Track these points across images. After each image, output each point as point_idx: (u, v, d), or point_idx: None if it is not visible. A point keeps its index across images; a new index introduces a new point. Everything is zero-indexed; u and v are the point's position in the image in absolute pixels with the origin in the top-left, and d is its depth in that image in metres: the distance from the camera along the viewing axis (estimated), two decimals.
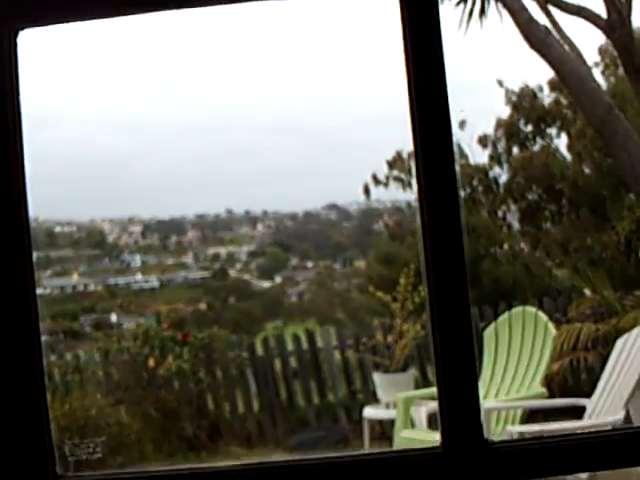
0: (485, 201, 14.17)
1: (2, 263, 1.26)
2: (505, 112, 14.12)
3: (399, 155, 14.27)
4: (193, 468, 1.33)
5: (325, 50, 13.97)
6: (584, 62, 9.45)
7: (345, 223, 16.84)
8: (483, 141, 14.34)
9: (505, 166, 14.46)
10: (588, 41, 13.21)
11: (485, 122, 14.29)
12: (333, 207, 16.61)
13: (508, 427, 6.32)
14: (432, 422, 8.07)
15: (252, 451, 9.28)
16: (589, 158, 13.45)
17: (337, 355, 10.09)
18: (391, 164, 14.32)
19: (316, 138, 16.06)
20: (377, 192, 14.18)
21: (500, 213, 14.39)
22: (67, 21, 1.44)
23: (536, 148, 14.37)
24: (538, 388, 7.03)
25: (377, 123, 14.27)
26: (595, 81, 9.57)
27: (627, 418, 7.02)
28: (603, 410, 6.19)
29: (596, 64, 13.15)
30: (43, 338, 1.29)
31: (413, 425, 7.56)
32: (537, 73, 13.33)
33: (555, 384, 8.48)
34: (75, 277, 17.03)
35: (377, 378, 8.52)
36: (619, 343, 6.61)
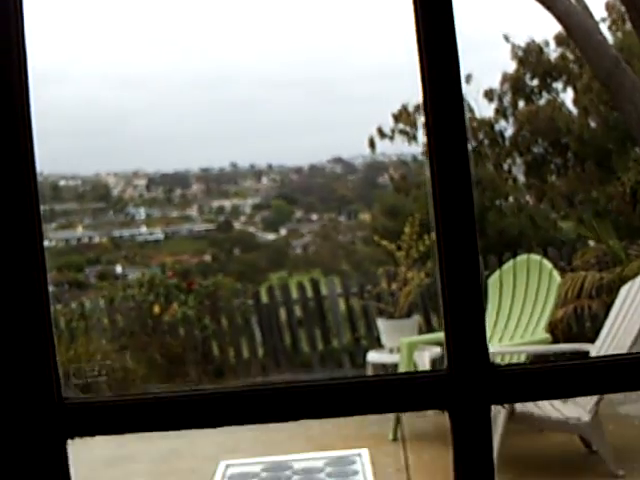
0: (491, 154, 14.15)
1: (11, 216, 1.26)
2: (511, 67, 14.09)
3: (405, 108, 14.23)
4: (199, 390, 1.34)
5: (327, 2, 13.88)
6: (590, 15, 9.39)
7: (350, 176, 16.83)
8: (489, 95, 14.31)
9: (511, 120, 14.43)
10: None
11: (491, 76, 14.25)
12: (338, 160, 16.59)
13: None
14: (435, 366, 8.14)
15: None
16: (595, 112, 13.41)
17: (341, 303, 10.12)
18: (397, 117, 14.28)
19: (319, 91, 16.01)
20: (382, 145, 14.14)
21: (506, 166, 14.38)
22: None
23: (542, 102, 14.32)
24: (542, 334, 7.06)
25: (380, 76, 14.22)
26: (601, 34, 9.51)
27: None
28: (607, 354, 6.22)
29: (603, 20, 13.07)
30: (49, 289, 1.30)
31: (416, 369, 7.61)
32: (543, 28, 13.28)
33: (559, 331, 8.52)
34: (80, 230, 17.05)
35: (381, 324, 8.55)
36: (623, 290, 6.62)
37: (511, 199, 14.24)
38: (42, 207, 1.26)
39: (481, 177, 12.83)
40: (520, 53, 13.96)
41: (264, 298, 10.11)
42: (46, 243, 1.30)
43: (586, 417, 6.05)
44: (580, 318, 8.97)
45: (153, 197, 16.98)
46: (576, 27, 9.00)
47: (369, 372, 8.38)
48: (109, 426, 1.33)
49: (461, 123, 1.28)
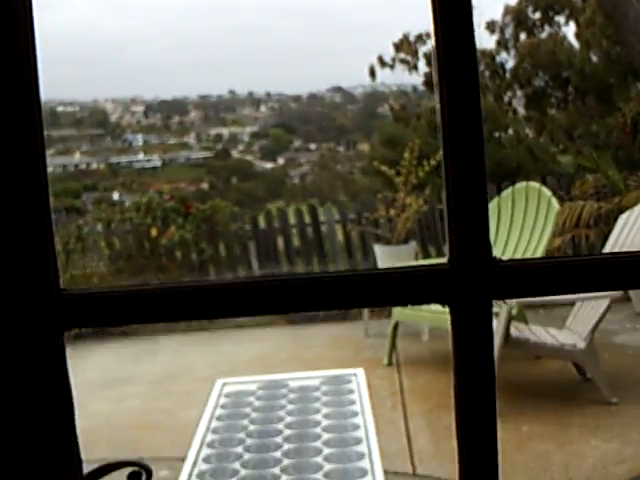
0: (491, 86, 14.09)
1: (14, 141, 1.24)
2: None
3: (406, 38, 14.12)
4: (199, 282, 1.32)
5: None
6: None
7: (350, 106, 16.74)
8: (491, 27, 14.23)
9: (512, 52, 14.34)
10: None
11: (493, 8, 14.14)
12: (338, 89, 16.49)
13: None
14: None
15: (253, 319, 9.37)
16: (597, 46, 13.32)
17: (339, 229, 10.10)
18: (397, 46, 14.18)
19: (320, 20, 15.86)
20: (383, 75, 14.06)
21: (506, 98, 14.32)
22: None
23: (544, 35, 14.24)
24: None
25: (382, 6, 14.07)
26: None
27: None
28: None
29: None
30: None
31: None
32: None
33: None
34: (77, 156, 17.02)
35: (378, 250, 8.57)
36: (621, 219, 6.61)
37: (511, 131, 14.21)
38: None
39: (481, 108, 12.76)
40: None
41: (262, 224, 10.09)
42: None
43: (581, 344, 6.08)
44: (577, 247, 8.97)
45: (151, 124, 16.92)
46: None
47: None
48: (107, 317, 1.31)
49: (471, 49, 1.25)
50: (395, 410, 6.22)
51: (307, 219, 10.11)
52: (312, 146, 16.26)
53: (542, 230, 6.95)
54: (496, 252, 1.28)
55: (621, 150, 10.18)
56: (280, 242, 10.12)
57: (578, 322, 6.29)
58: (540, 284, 1.30)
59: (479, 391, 1.29)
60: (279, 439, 4.04)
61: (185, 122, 16.71)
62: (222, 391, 4.79)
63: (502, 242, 7.12)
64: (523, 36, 14.24)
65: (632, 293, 8.20)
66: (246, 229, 10.08)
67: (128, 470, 1.40)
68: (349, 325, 8.89)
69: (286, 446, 3.95)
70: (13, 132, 1.22)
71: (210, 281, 1.32)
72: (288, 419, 4.30)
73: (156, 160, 16.49)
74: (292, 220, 10.14)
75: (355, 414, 4.27)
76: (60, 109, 16.89)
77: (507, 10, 14.16)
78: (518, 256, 7.08)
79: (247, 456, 3.87)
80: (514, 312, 6.32)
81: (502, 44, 14.21)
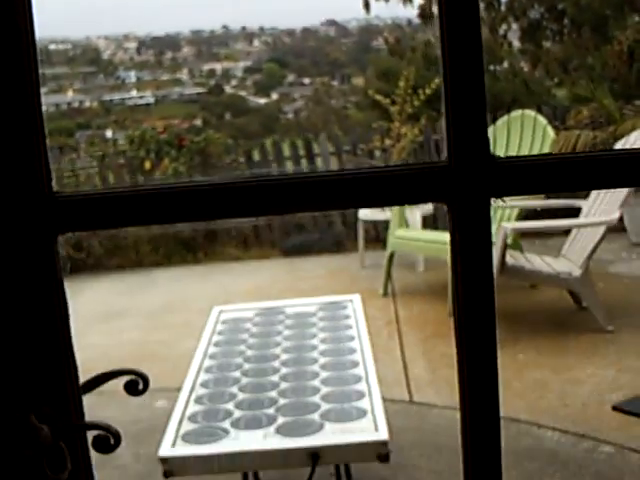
0: (486, 18, 13.92)
1: (9, 80, 1.20)
2: None
3: None
4: (193, 182, 1.29)
5: None
6: None
7: (344, 39, 16.59)
8: None
9: None
10: None
11: None
12: (332, 23, 16.34)
13: (503, 223, 6.36)
14: (426, 223, 8.16)
15: (248, 252, 9.39)
16: None
17: (334, 161, 10.04)
18: None
19: None
20: (377, 7, 13.88)
21: (501, 31, 14.16)
22: None
23: None
24: None
25: None
26: None
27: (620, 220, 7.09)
28: (599, 210, 6.21)
29: None
30: None
31: (408, 226, 7.63)
32: None
33: None
34: (70, 94, 16.90)
35: None
36: (617, 146, 6.59)
37: (506, 64, 14.11)
38: None
39: None
40: None
41: (256, 157, 10.03)
42: None
43: (577, 272, 6.08)
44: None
45: (143, 60, 16.77)
46: None
47: (360, 229, 8.40)
48: (101, 220, 1.29)
49: None
50: (391, 339, 6.25)
51: (302, 152, 10.05)
52: (306, 81, 16.14)
53: None
54: None
55: (617, 82, 10.10)
56: (274, 173, 10.06)
57: (574, 250, 6.29)
58: (538, 181, 1.28)
59: (478, 291, 1.28)
60: (276, 363, 4.05)
61: (178, 58, 16.57)
62: (219, 318, 4.80)
63: None
64: None
65: (627, 223, 8.20)
66: (240, 161, 10.02)
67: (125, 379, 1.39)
68: (345, 257, 8.90)
69: (283, 370, 3.96)
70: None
71: (204, 182, 1.30)
72: (285, 344, 4.30)
73: (149, 97, 16.39)
74: (287, 153, 10.08)
75: (351, 338, 4.28)
76: (52, 47, 16.73)
77: None
78: None
79: (245, 380, 3.88)
80: (509, 241, 6.32)
81: None
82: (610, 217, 5.99)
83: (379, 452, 3.21)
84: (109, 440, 1.27)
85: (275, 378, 3.87)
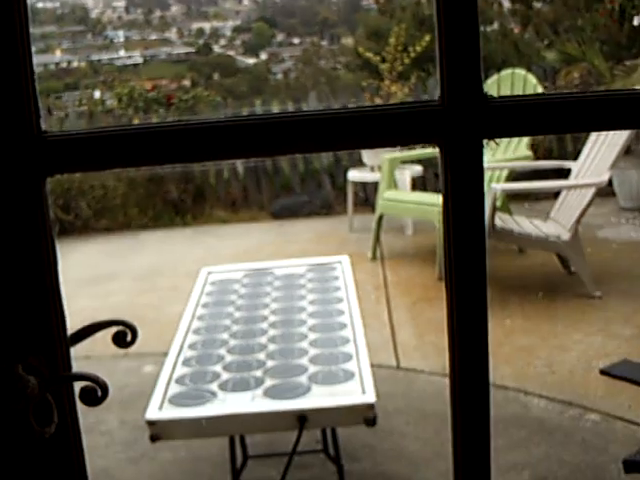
0: None
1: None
2: None
3: None
4: (186, 122, 1.26)
5: None
6: None
7: None
8: None
9: None
10: None
11: None
12: None
13: (492, 184, 6.35)
14: (416, 185, 8.15)
15: (236, 215, 9.37)
16: None
17: None
18: None
19: None
20: None
21: None
22: None
23: None
24: (524, 151, 7.04)
25: None
26: None
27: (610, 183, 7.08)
28: (588, 172, 6.21)
29: None
30: None
31: (397, 187, 7.62)
32: None
33: (540, 152, 8.53)
34: (58, 54, 16.74)
35: None
36: None
37: (496, 25, 14.01)
38: None
39: None
40: None
41: (245, 114, 9.96)
42: None
43: (566, 235, 6.08)
44: (561, 138, 8.94)
45: (132, 19, 16.61)
46: None
47: (349, 191, 8.38)
48: (91, 161, 1.26)
49: None
50: (379, 303, 6.25)
51: (291, 109, 9.98)
52: (295, 40, 16.01)
53: None
54: None
55: (608, 42, 10.05)
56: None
57: (562, 213, 6.28)
58: (532, 122, 1.26)
59: (470, 235, 1.26)
60: (264, 325, 4.04)
61: (166, 17, 16.41)
62: (207, 279, 4.78)
63: None
64: None
65: (616, 187, 8.20)
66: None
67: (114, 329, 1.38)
68: (333, 220, 8.90)
69: (271, 332, 3.95)
70: None
71: (196, 121, 1.27)
72: (273, 305, 4.30)
73: (137, 56, 16.24)
74: (276, 110, 10.02)
75: (340, 300, 4.27)
76: (40, 5, 16.56)
77: None
78: (503, 146, 7.06)
79: (233, 342, 3.87)
80: (499, 203, 6.31)
81: None
82: (600, 179, 5.98)
83: (366, 415, 3.21)
84: (97, 392, 1.25)
85: (263, 340, 3.86)
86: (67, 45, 16.71)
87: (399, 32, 9.13)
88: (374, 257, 7.30)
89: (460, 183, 1.24)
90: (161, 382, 3.50)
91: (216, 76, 15.97)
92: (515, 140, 7.01)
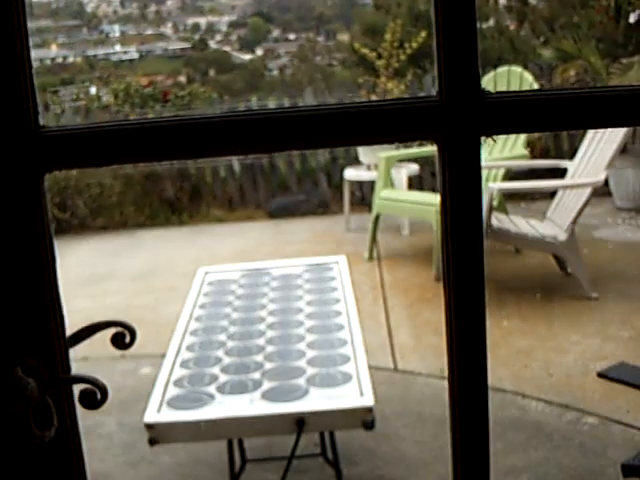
0: None
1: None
2: None
3: None
4: (185, 117, 1.25)
5: None
6: None
7: None
8: None
9: None
10: None
11: None
12: None
13: (489, 184, 6.34)
14: (412, 184, 8.14)
15: (233, 214, 9.36)
16: None
17: None
18: None
19: None
20: None
21: None
22: None
23: None
24: (521, 150, 7.04)
25: None
26: None
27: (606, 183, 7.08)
28: (585, 172, 6.20)
29: None
30: None
31: (393, 186, 7.61)
32: None
33: (537, 151, 8.53)
34: (54, 48, 16.72)
35: None
36: None
37: (491, 21, 14.01)
38: None
39: None
40: None
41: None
42: None
43: (562, 236, 6.07)
44: (558, 137, 8.95)
45: (127, 13, 16.59)
46: None
47: (346, 190, 8.37)
48: (89, 156, 1.25)
49: None
50: (376, 304, 6.24)
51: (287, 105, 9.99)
52: (291, 36, 16.00)
53: None
54: None
55: (603, 40, 10.03)
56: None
57: (559, 213, 6.28)
58: (530, 118, 1.25)
59: (468, 232, 1.26)
60: (262, 326, 4.03)
61: (162, 11, 16.40)
62: (204, 279, 4.78)
63: None
64: None
65: (613, 187, 8.21)
66: None
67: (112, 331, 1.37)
68: (330, 219, 8.89)
69: (269, 333, 3.94)
70: None
71: (194, 116, 1.26)
72: (271, 306, 4.29)
73: (133, 52, 16.23)
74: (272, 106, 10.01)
75: (337, 301, 4.27)
76: None
77: None
78: (500, 144, 7.06)
79: (230, 344, 3.87)
80: (495, 203, 6.30)
81: None
82: (596, 178, 5.98)
83: (364, 419, 3.20)
84: (96, 395, 1.24)
85: (261, 341, 3.86)
86: (63, 40, 16.69)
87: (395, 28, 9.13)
88: (371, 257, 7.30)
89: (458, 180, 1.23)
90: (159, 384, 3.50)
91: (212, 72, 15.97)
92: (512, 139, 7.02)
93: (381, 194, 7.21)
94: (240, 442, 4.03)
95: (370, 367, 3.55)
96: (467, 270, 1.27)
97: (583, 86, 8.61)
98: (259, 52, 16.06)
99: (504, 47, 12.87)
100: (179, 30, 16.25)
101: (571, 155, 6.81)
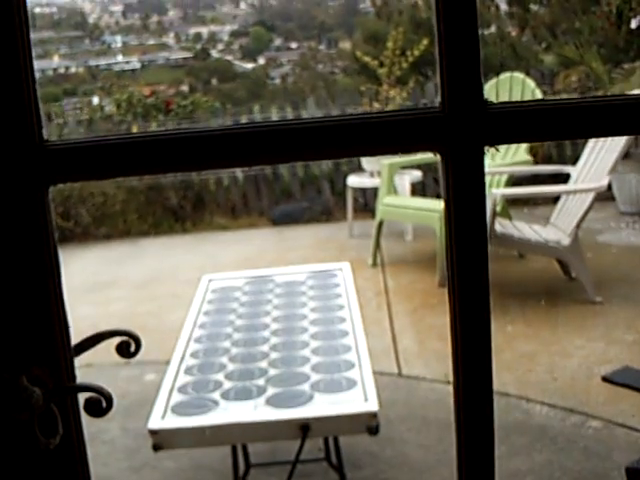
0: None
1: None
2: None
3: None
4: (190, 130, 1.25)
5: None
6: None
7: (330, 2, 16.45)
8: None
9: None
10: None
11: None
12: None
13: (492, 190, 6.35)
14: (415, 190, 8.15)
15: (236, 221, 9.37)
16: None
17: None
18: None
19: None
20: None
21: None
22: None
23: None
24: (524, 155, 7.05)
25: None
26: None
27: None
28: (588, 177, 6.21)
29: None
30: None
31: (396, 192, 7.62)
32: None
33: (539, 157, 8.54)
34: (56, 59, 16.73)
35: None
36: None
37: (493, 28, 14.02)
38: None
39: None
40: None
41: (244, 120, 9.98)
42: None
43: (566, 241, 6.07)
44: (560, 143, 8.95)
45: (129, 24, 16.61)
46: None
47: (349, 196, 8.38)
48: (93, 169, 1.25)
49: None
50: (380, 310, 6.24)
51: (290, 115, 9.99)
52: (293, 45, 16.00)
53: None
54: None
55: (605, 45, 10.04)
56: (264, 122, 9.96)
57: (562, 218, 6.28)
58: (533, 128, 1.26)
59: (472, 241, 1.26)
60: (266, 333, 4.04)
61: (164, 21, 16.41)
62: (208, 287, 4.78)
63: None
64: None
65: (616, 192, 8.20)
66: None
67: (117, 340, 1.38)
68: (333, 226, 8.89)
69: (273, 340, 3.95)
70: None
71: (200, 129, 1.27)
72: (275, 313, 4.30)
73: (135, 62, 16.24)
74: (275, 119, 10.02)
75: (341, 307, 4.27)
76: (37, 10, 16.56)
77: None
78: (502, 150, 7.06)
79: (235, 350, 3.87)
80: (498, 208, 6.31)
81: None
82: (599, 183, 5.98)
83: (369, 424, 3.20)
84: (101, 403, 1.25)
85: (265, 348, 3.86)
86: (65, 50, 16.70)
87: (397, 36, 9.14)
88: (374, 263, 7.30)
89: (462, 190, 1.23)
90: (163, 391, 3.50)
91: (214, 81, 15.97)
92: (514, 145, 7.02)
93: (384, 200, 7.22)
94: (244, 447, 4.03)
95: (374, 372, 3.56)
96: (472, 277, 1.28)
97: (585, 92, 8.63)
98: (261, 61, 16.07)
99: (506, 53, 12.88)
100: (181, 40, 16.26)
101: (574, 161, 6.81)
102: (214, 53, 16.18)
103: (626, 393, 4.46)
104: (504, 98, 7.06)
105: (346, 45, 15.61)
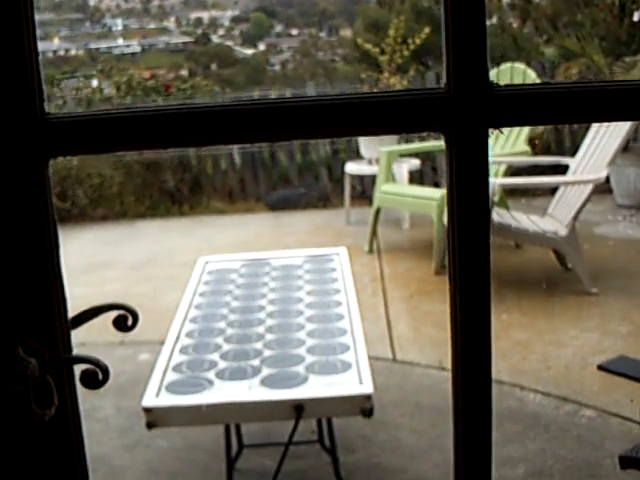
0: None
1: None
2: None
3: None
4: (191, 106, 1.25)
5: None
6: None
7: None
8: None
9: None
10: None
11: None
12: None
13: (491, 179, 6.34)
14: (413, 179, 8.14)
15: (233, 206, 9.37)
16: None
17: None
18: None
19: None
20: None
21: None
22: None
23: None
24: (523, 146, 7.04)
25: None
26: None
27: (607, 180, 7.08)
28: (586, 169, 6.21)
29: None
30: None
31: (394, 180, 7.61)
32: None
33: (538, 148, 8.53)
34: (56, 41, 16.69)
35: None
36: None
37: (495, 19, 13.99)
38: None
39: None
40: None
41: None
42: None
43: (563, 231, 6.08)
44: (559, 134, 8.94)
45: (130, 7, 16.56)
46: None
47: (347, 183, 8.37)
48: (93, 143, 1.25)
49: None
50: (376, 296, 6.24)
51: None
52: (294, 31, 15.96)
53: None
54: None
55: (607, 38, 10.03)
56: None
57: (560, 209, 6.28)
58: (537, 111, 1.25)
59: (474, 224, 1.26)
60: (262, 315, 4.04)
61: (165, 5, 16.36)
62: (205, 268, 4.78)
63: None
64: None
65: (614, 185, 8.21)
66: None
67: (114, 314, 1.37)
68: (330, 212, 8.89)
69: (269, 322, 3.95)
70: None
71: (201, 104, 1.26)
72: (271, 296, 4.29)
73: (135, 45, 16.20)
74: None
75: (337, 291, 4.27)
76: None
77: None
78: (501, 141, 7.06)
79: (230, 331, 3.87)
80: (496, 199, 6.31)
81: None
82: (598, 175, 5.98)
83: (363, 406, 3.20)
84: (97, 375, 1.25)
85: (260, 329, 3.86)
86: (65, 33, 16.66)
87: (398, 24, 9.12)
88: (371, 250, 7.30)
89: (465, 171, 1.23)
90: (158, 369, 3.50)
91: (214, 66, 15.94)
92: (514, 135, 7.02)
93: (382, 188, 7.21)
94: (237, 427, 4.04)
95: (369, 357, 3.55)
96: (473, 262, 1.28)
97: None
98: (261, 47, 16.03)
99: (507, 45, 12.86)
100: (182, 24, 16.21)
101: (573, 152, 6.81)
102: (215, 38, 16.14)
103: (620, 383, 4.45)
104: None
105: (347, 33, 15.58)
